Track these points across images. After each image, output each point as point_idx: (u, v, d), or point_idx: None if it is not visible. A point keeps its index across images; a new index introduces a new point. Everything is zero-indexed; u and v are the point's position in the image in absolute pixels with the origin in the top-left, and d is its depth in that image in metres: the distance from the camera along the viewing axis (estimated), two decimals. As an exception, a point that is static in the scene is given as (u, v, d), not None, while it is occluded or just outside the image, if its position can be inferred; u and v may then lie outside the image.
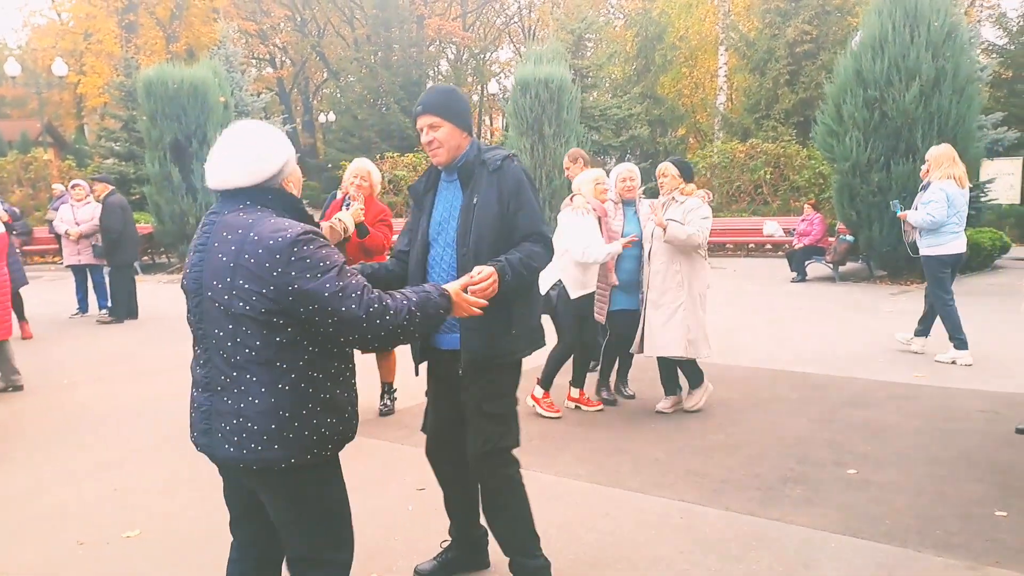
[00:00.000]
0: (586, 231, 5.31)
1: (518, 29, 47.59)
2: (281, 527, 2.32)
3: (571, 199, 5.51)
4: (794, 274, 13.15)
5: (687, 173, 5.54)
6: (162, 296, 12.27)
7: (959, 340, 6.98)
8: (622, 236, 5.51)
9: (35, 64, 36.35)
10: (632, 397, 6.06)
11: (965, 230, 7.18)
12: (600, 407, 5.78)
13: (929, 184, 7.01)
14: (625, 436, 5.18)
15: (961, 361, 6.93)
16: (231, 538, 2.49)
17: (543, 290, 5.28)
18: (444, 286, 2.42)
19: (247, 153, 2.23)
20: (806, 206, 14.29)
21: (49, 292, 12.80)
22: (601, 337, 5.87)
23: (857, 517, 3.80)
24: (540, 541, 3.14)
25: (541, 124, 16.35)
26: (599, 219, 5.48)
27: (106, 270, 10.78)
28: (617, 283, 5.54)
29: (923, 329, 7.44)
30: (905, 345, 7.53)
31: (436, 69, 45.10)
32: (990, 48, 22.25)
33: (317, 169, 36.29)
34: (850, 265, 13.50)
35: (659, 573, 3.32)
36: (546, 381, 5.64)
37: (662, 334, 5.37)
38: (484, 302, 2.51)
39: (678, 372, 5.68)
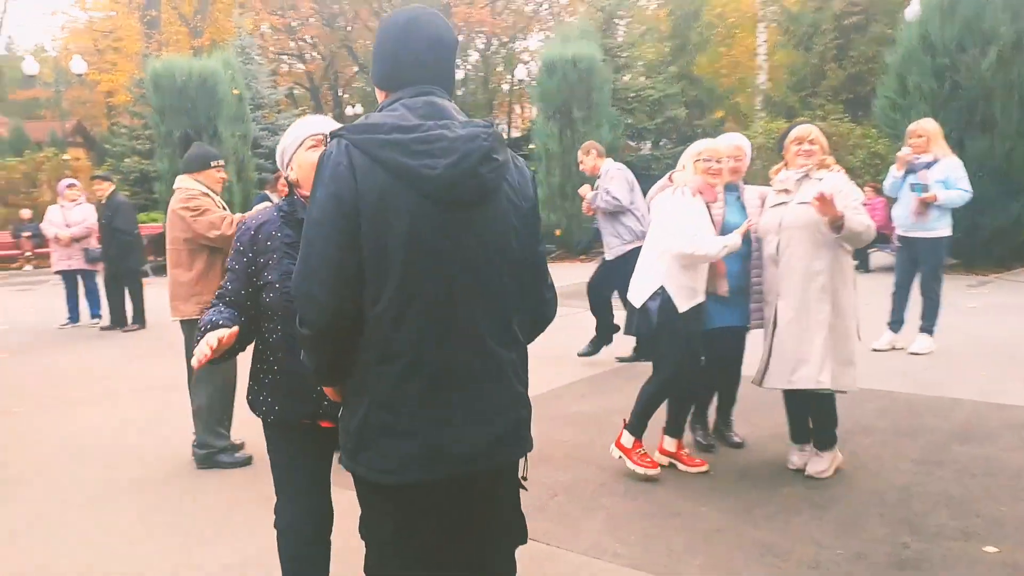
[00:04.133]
0: (692, 216, 3.95)
1: (548, 16, 46.27)
2: None
3: (669, 178, 4.25)
4: (855, 263, 11.85)
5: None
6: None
7: (933, 330, 6.72)
8: (723, 226, 4.15)
9: (65, 65, 35.94)
10: (740, 445, 4.59)
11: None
12: (704, 467, 4.25)
13: (936, 160, 6.53)
14: (675, 489, 4.04)
15: (932, 348, 6.67)
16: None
17: (639, 301, 4.05)
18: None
19: None
20: (867, 190, 12.94)
21: (47, 299, 11.97)
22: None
23: (1017, 633, 2.64)
24: None
25: (570, 107, 15.14)
26: (708, 205, 4.10)
27: (99, 277, 9.90)
28: (727, 292, 4.18)
29: (897, 320, 6.93)
30: (885, 348, 6.82)
31: (465, 59, 43.97)
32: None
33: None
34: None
35: None
36: (637, 425, 4.17)
37: (797, 360, 3.94)
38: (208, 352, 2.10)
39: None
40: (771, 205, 4.13)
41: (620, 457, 4.19)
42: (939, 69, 10.96)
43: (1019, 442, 4.42)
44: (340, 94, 46.72)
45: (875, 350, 6.66)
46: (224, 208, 4.53)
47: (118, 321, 9.60)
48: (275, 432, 2.51)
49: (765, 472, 4.19)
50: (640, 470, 4.12)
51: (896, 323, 6.86)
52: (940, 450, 4.38)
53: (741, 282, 4.25)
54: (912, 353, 6.57)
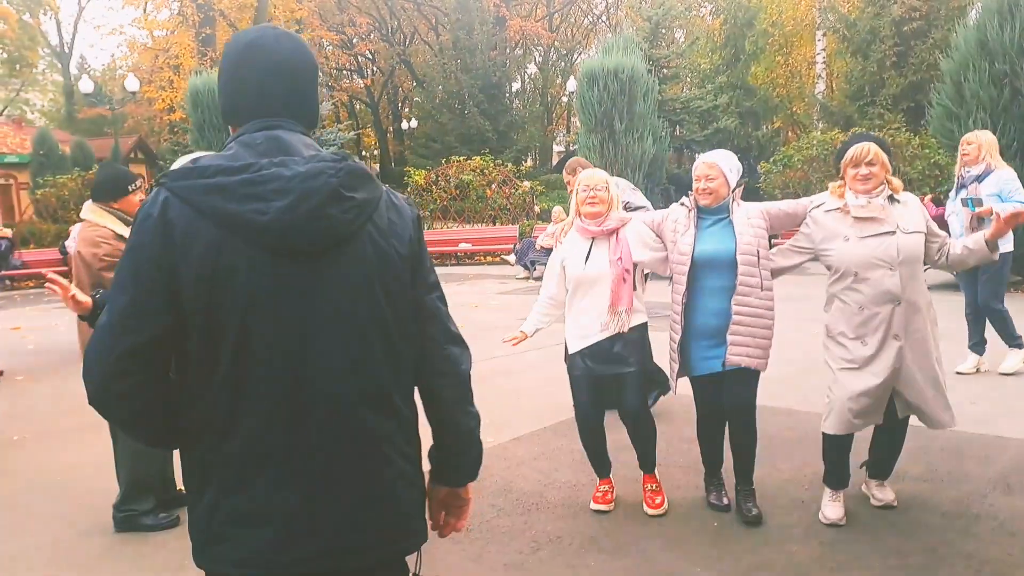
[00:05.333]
0: (548, 266, 4.26)
1: (606, 28, 46.00)
2: None
3: (555, 219, 4.26)
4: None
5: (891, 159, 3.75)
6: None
7: (1021, 342, 6.30)
8: (692, 257, 3.74)
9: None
10: (756, 521, 3.78)
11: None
12: (661, 510, 3.93)
13: (987, 172, 6.11)
14: (672, 546, 3.65)
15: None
16: None
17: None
18: None
19: None
20: (926, 201, 12.26)
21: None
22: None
23: None
24: None
25: (611, 119, 14.76)
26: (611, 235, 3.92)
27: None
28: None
29: (979, 342, 6.40)
30: (970, 371, 6.31)
31: (523, 72, 43.97)
32: None
33: (398, 176, 35.71)
34: (977, 270, 11.43)
35: None
36: (592, 467, 4.23)
37: (938, 400, 3.64)
38: None
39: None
40: (862, 236, 3.57)
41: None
42: (998, 75, 10.31)
43: (1070, 494, 3.93)
44: (400, 107, 47.15)
45: (959, 373, 6.17)
46: None
47: None
48: None
49: (776, 526, 3.77)
50: (592, 504, 4.10)
51: (978, 345, 6.38)
52: (977, 501, 3.90)
53: (722, 320, 3.74)
54: (1002, 373, 6.18)
